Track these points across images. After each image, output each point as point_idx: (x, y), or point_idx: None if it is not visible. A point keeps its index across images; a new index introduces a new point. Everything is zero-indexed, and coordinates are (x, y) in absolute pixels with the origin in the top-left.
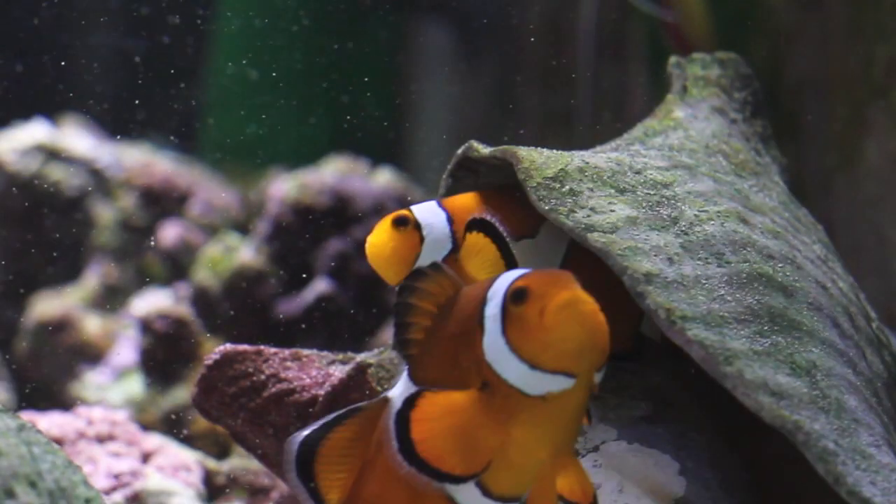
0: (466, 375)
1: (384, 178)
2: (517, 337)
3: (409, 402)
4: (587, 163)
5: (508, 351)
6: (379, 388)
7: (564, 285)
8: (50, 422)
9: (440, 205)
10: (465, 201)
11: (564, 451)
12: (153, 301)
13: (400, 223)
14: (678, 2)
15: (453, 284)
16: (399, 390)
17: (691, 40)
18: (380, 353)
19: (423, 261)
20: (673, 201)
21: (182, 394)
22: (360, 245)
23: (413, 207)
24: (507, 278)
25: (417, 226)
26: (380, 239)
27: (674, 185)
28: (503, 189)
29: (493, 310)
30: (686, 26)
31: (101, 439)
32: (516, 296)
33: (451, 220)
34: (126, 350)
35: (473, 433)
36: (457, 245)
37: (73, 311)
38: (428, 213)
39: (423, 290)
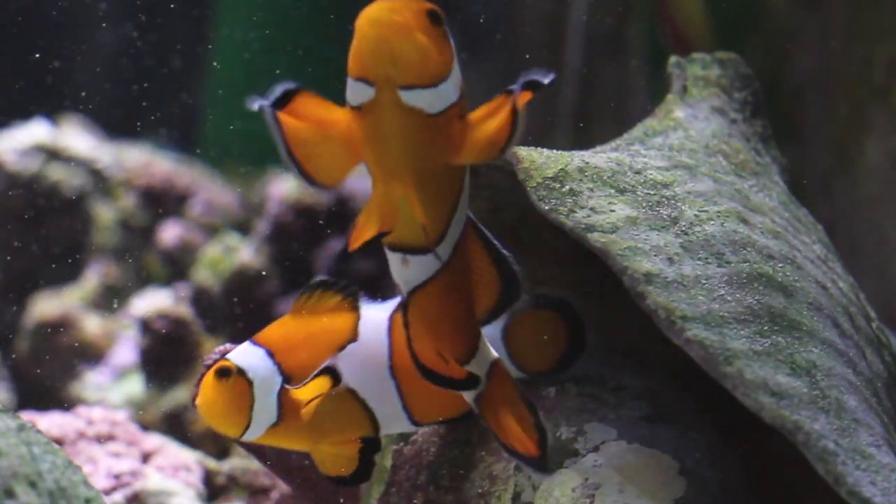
0: None
1: None
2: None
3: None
4: (587, 163)
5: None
6: None
7: (383, 4)
8: (50, 422)
9: (255, 343)
10: (278, 330)
11: (400, 174)
12: (153, 301)
13: (223, 375)
14: (676, 0)
15: None
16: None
17: (689, 38)
18: None
19: (259, 404)
20: (673, 201)
21: (182, 394)
22: (360, 245)
23: (230, 355)
24: None
25: (241, 371)
26: (208, 397)
27: (674, 185)
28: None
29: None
30: (683, 24)
31: (101, 439)
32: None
33: (270, 353)
34: (126, 350)
35: (334, 144)
36: (286, 377)
37: (73, 311)
38: (246, 355)
39: None
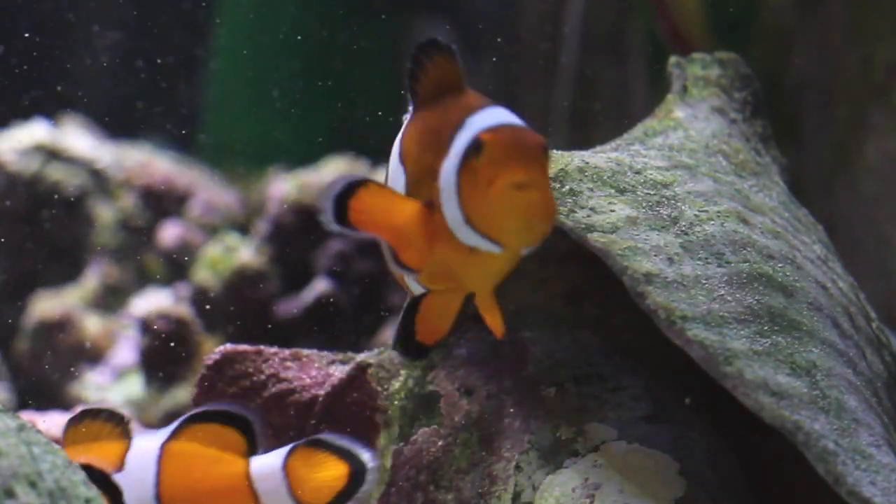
0: (427, 172)
1: (384, 179)
2: (464, 186)
3: (351, 186)
4: (587, 163)
5: (454, 193)
6: (379, 388)
7: (524, 160)
8: (50, 422)
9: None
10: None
11: (480, 291)
12: (153, 301)
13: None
14: None
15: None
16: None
17: (686, 34)
18: (380, 353)
19: None
20: (673, 201)
21: (182, 394)
22: (360, 245)
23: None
24: (485, 115)
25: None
26: None
27: (674, 185)
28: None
29: (459, 144)
30: (680, 21)
31: None
32: (476, 146)
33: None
34: (126, 350)
35: (405, 235)
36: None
37: (73, 311)
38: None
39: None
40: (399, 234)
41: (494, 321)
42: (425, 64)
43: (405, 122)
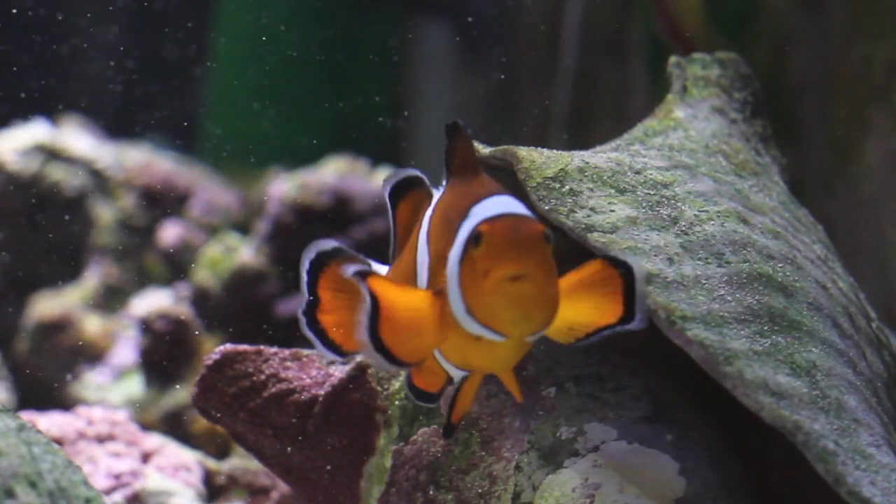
0: (437, 262)
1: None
2: (465, 276)
3: (373, 296)
4: (587, 163)
5: (457, 283)
6: (379, 388)
7: (519, 252)
8: (50, 422)
9: None
10: None
11: (497, 373)
12: (153, 301)
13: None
14: None
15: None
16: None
17: (687, 36)
18: None
19: None
20: (673, 201)
21: (182, 394)
22: (360, 245)
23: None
24: (488, 204)
25: None
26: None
27: (674, 185)
28: None
29: (463, 233)
30: (681, 21)
31: (101, 439)
32: (475, 238)
33: None
34: (126, 350)
35: (422, 329)
36: None
37: (73, 311)
38: None
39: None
40: (417, 327)
41: (515, 392)
42: (454, 144)
43: (436, 198)
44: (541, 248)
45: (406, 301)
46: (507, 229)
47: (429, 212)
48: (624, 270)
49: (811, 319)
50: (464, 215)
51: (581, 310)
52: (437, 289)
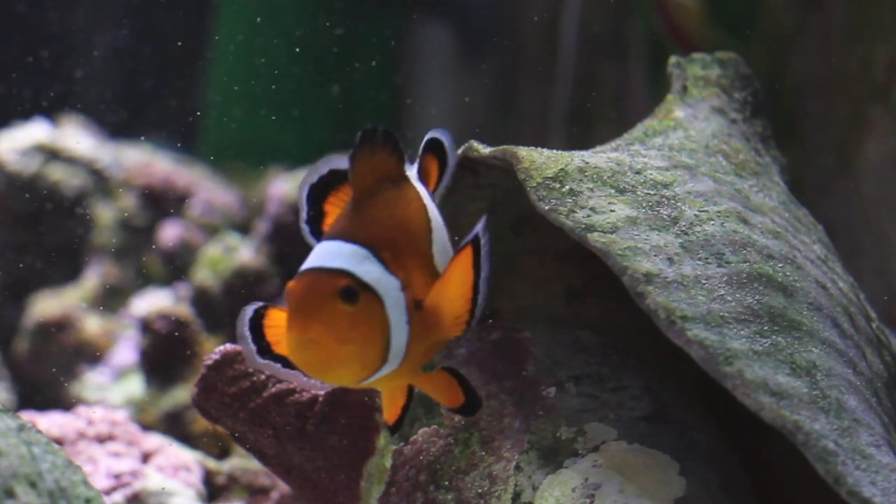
0: None
1: None
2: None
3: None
4: (587, 163)
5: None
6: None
7: (307, 316)
8: (50, 422)
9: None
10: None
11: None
12: (153, 301)
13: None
14: None
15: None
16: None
17: (687, 36)
18: None
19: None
20: (673, 201)
21: (182, 394)
22: None
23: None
24: (313, 254)
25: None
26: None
27: (674, 185)
28: None
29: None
30: (681, 21)
31: (101, 439)
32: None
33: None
34: (126, 350)
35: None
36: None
37: (73, 311)
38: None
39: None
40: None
41: (385, 414)
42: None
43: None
44: (333, 310)
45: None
46: (301, 291)
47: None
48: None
49: (811, 319)
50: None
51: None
52: None
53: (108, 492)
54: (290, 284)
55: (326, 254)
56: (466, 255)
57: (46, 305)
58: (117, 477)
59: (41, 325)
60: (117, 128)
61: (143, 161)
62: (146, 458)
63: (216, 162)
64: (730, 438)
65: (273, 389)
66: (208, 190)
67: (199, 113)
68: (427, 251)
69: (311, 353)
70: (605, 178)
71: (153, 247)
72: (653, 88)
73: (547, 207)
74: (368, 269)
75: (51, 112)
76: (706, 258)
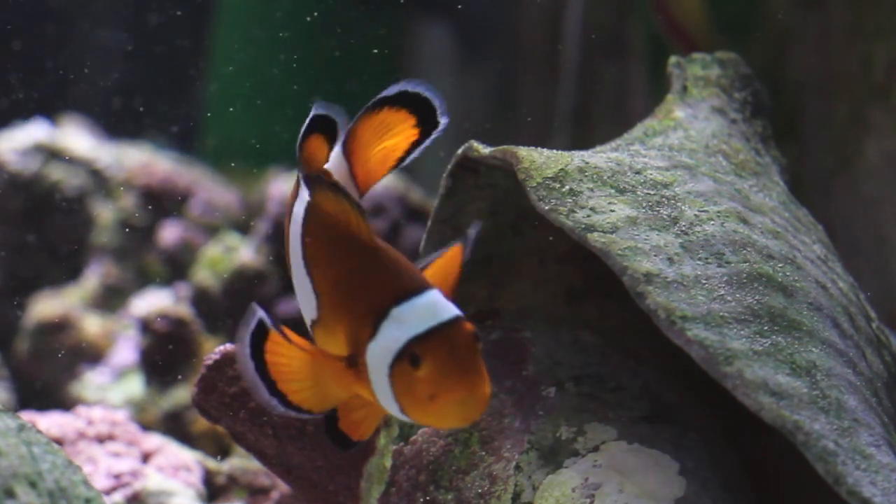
0: (343, 319)
1: (384, 178)
2: (402, 389)
3: (260, 331)
4: (587, 163)
5: (388, 387)
6: None
7: (465, 372)
8: (50, 422)
9: None
10: None
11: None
12: (153, 301)
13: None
14: None
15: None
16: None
17: (687, 35)
18: None
19: None
20: (673, 201)
21: (182, 394)
22: None
23: None
24: (415, 320)
25: None
26: None
27: (674, 185)
28: None
29: (389, 342)
30: (681, 21)
31: (101, 439)
32: (413, 360)
33: None
34: (126, 350)
35: (324, 386)
36: None
37: (73, 311)
38: None
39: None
40: (316, 384)
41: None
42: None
43: (297, 198)
44: (478, 355)
45: (320, 358)
46: (449, 351)
47: (296, 226)
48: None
49: (811, 319)
50: (381, 311)
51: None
52: (345, 356)
53: (108, 492)
54: (424, 349)
55: (431, 309)
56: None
57: (46, 305)
58: (117, 477)
59: (41, 325)
60: (117, 128)
61: (143, 161)
62: (146, 458)
63: (216, 162)
64: (730, 438)
65: None
66: (208, 190)
67: (199, 113)
68: None
69: (468, 406)
70: (605, 178)
71: (153, 247)
72: (653, 88)
73: (547, 207)
74: (453, 306)
75: (51, 112)
76: (706, 258)
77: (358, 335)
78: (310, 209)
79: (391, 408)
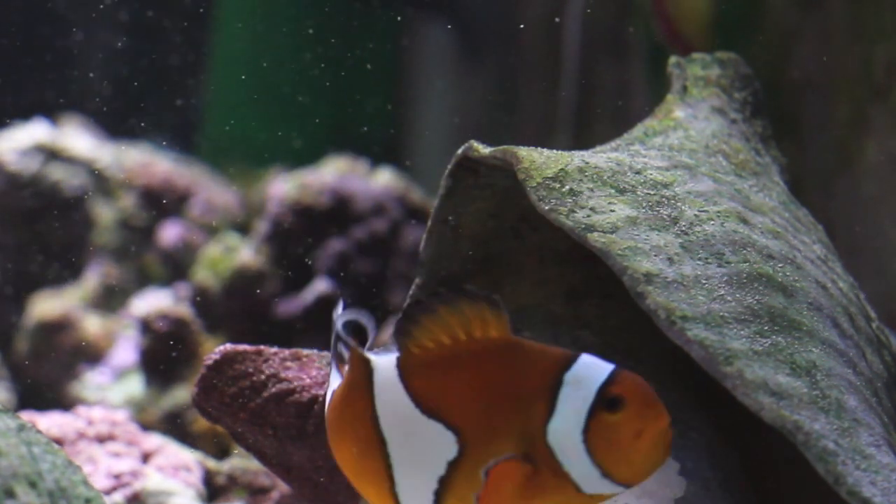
0: (494, 426)
1: (384, 179)
2: (601, 444)
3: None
4: (587, 163)
5: (584, 452)
6: None
7: (659, 402)
8: (50, 422)
9: None
10: None
11: None
12: (153, 301)
13: None
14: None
15: (496, 323)
16: (383, 364)
17: (687, 36)
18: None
19: None
20: (673, 201)
21: (182, 394)
22: (360, 245)
23: None
24: (593, 371)
25: None
26: None
27: (674, 185)
28: None
29: (577, 402)
30: (681, 21)
31: (101, 439)
32: (611, 404)
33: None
34: (126, 350)
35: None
36: None
37: (73, 311)
38: None
39: (457, 311)
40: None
41: None
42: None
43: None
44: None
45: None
46: (641, 387)
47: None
48: None
49: (811, 319)
50: (554, 384)
51: None
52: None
53: (108, 492)
54: (621, 390)
55: (600, 362)
56: None
57: (46, 305)
58: (117, 477)
59: (41, 325)
60: (117, 128)
61: (143, 161)
62: (146, 458)
63: (216, 162)
64: (730, 438)
65: (273, 389)
66: (208, 190)
67: (199, 113)
68: None
69: (669, 436)
70: (605, 178)
71: (153, 247)
72: (653, 88)
73: (547, 207)
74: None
75: (51, 112)
76: (706, 258)
77: (529, 427)
78: (403, 366)
79: (588, 475)
